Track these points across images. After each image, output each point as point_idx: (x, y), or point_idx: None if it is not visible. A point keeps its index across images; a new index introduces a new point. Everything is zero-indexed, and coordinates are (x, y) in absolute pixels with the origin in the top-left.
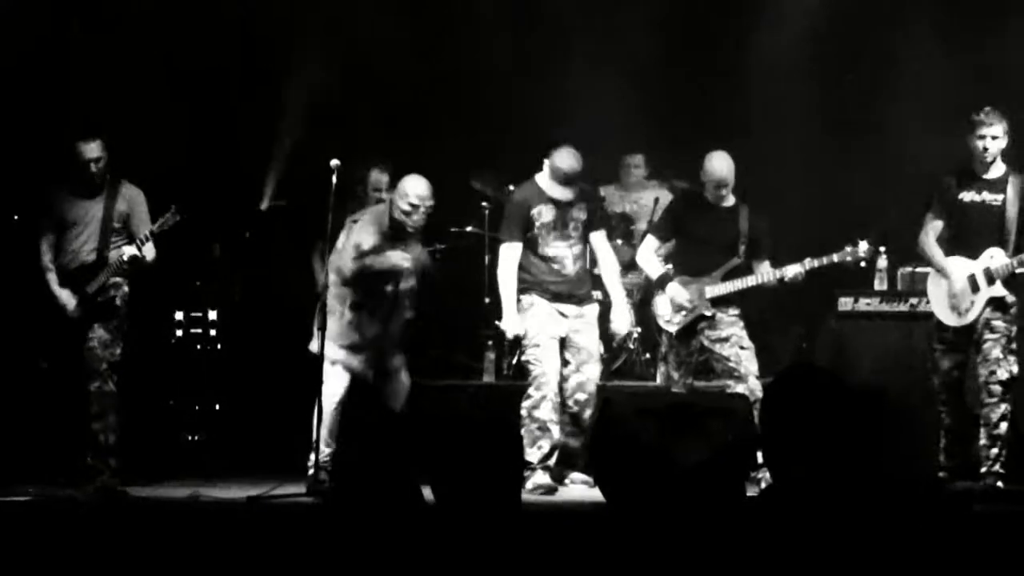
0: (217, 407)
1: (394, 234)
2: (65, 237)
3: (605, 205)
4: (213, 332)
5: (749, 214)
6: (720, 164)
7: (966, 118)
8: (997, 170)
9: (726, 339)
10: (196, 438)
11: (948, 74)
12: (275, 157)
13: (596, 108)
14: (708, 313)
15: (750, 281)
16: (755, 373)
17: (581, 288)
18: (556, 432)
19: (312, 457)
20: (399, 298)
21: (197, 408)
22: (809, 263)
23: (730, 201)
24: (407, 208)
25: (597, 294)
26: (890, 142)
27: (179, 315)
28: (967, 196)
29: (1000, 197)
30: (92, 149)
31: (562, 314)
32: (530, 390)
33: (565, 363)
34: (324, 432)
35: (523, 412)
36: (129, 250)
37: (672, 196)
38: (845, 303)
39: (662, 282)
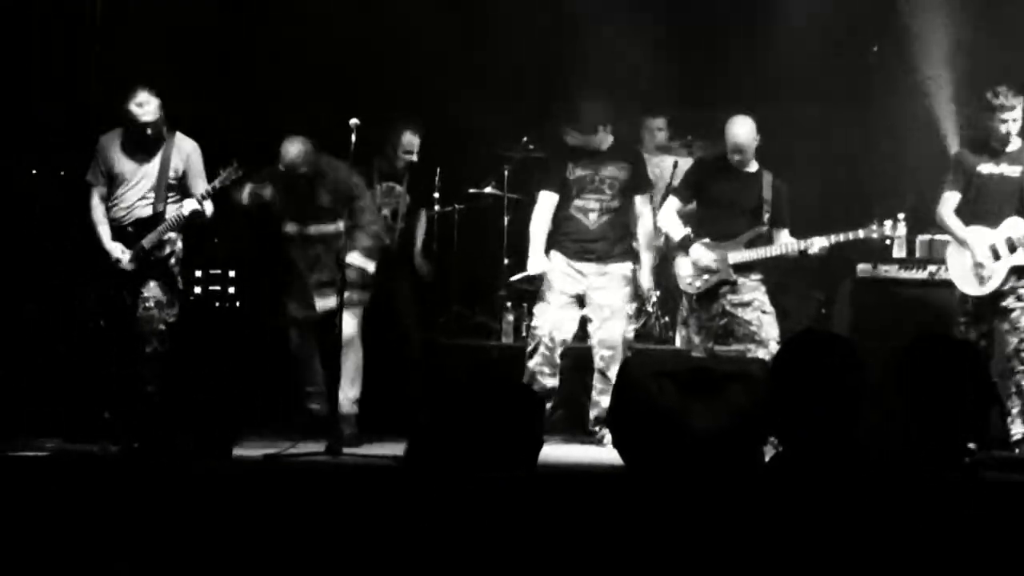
0: (234, 365)
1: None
2: (119, 191)
3: None
4: (232, 289)
5: (772, 181)
6: (739, 129)
7: (982, 96)
8: (1015, 143)
9: (748, 303)
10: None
11: (976, 43)
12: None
13: (620, 70)
14: (732, 278)
15: (773, 251)
16: (776, 338)
17: (605, 245)
18: (547, 382)
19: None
20: None
21: (214, 366)
22: (834, 237)
23: (753, 167)
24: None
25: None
26: (915, 112)
27: (198, 272)
28: (985, 168)
29: (1018, 168)
30: (148, 111)
31: (580, 272)
32: (529, 340)
33: (589, 320)
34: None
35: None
36: (190, 204)
37: (692, 160)
38: (864, 269)
39: (684, 244)
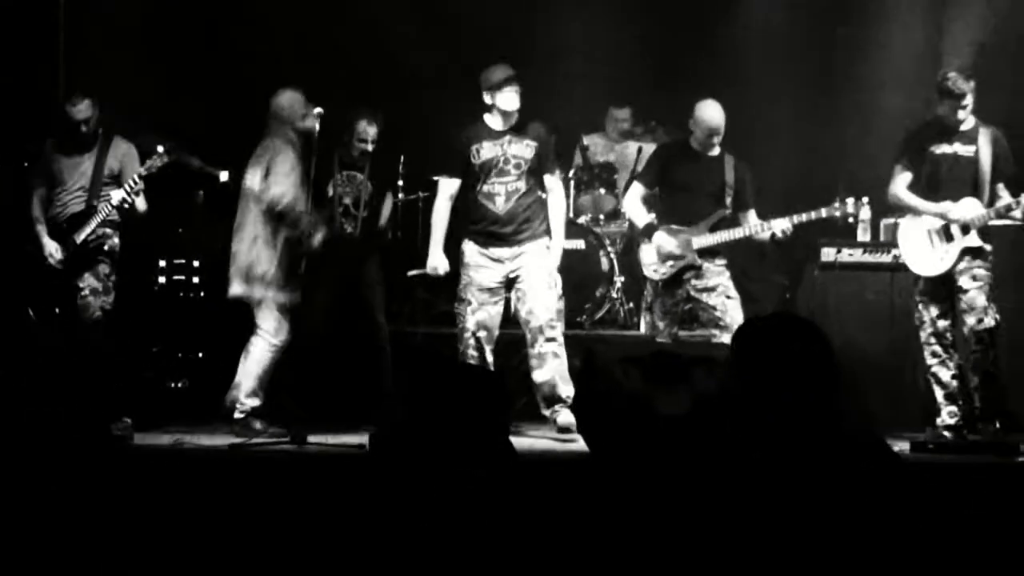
0: (200, 355)
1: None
2: (56, 191)
3: (589, 154)
4: (196, 279)
5: (735, 163)
6: (714, 112)
7: (935, 81)
8: (967, 122)
9: (712, 288)
10: (179, 385)
11: (932, 29)
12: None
13: (582, 59)
14: (696, 263)
15: (737, 233)
16: (740, 323)
17: (516, 227)
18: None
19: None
20: None
21: (180, 355)
22: (796, 218)
23: (715, 151)
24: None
25: (577, 243)
26: (876, 97)
27: (162, 263)
28: (938, 148)
29: (972, 148)
30: (81, 110)
31: (496, 260)
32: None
33: (518, 300)
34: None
35: None
36: (117, 195)
37: (655, 145)
38: (828, 254)
39: (648, 231)
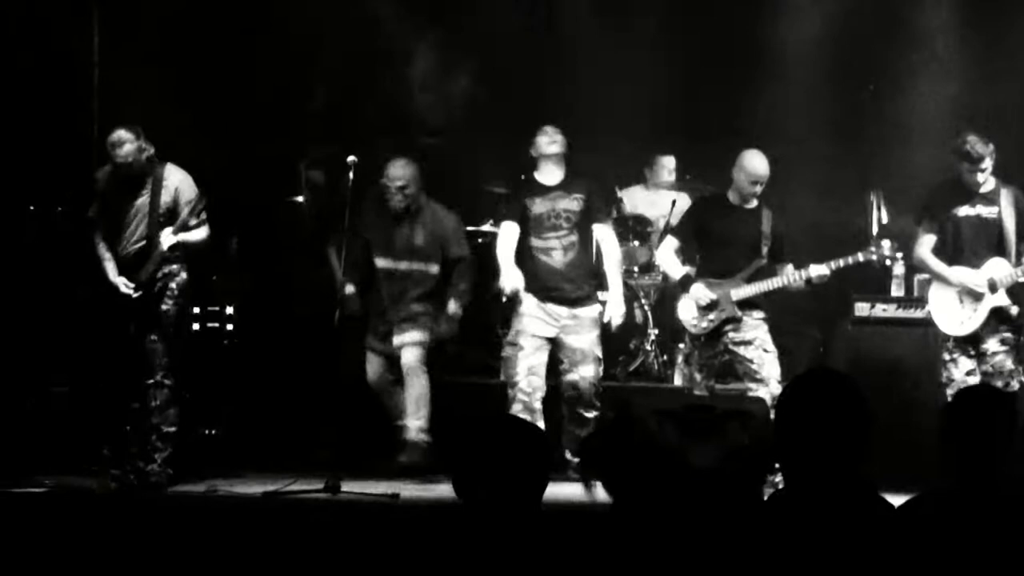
0: (234, 402)
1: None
2: (117, 228)
3: (622, 206)
4: (230, 327)
5: (771, 215)
6: (760, 162)
7: (954, 143)
8: (988, 184)
9: (750, 342)
10: (213, 432)
11: (964, 84)
12: (296, 152)
13: (622, 109)
14: (737, 315)
15: (775, 283)
16: (777, 377)
17: (573, 284)
18: None
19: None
20: None
21: (213, 402)
22: (835, 263)
23: (753, 203)
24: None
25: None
26: (906, 152)
27: (196, 309)
28: (962, 211)
29: (995, 210)
30: (123, 152)
31: (552, 316)
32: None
33: (561, 362)
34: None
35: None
36: (166, 239)
37: (691, 199)
38: (862, 308)
39: (685, 283)
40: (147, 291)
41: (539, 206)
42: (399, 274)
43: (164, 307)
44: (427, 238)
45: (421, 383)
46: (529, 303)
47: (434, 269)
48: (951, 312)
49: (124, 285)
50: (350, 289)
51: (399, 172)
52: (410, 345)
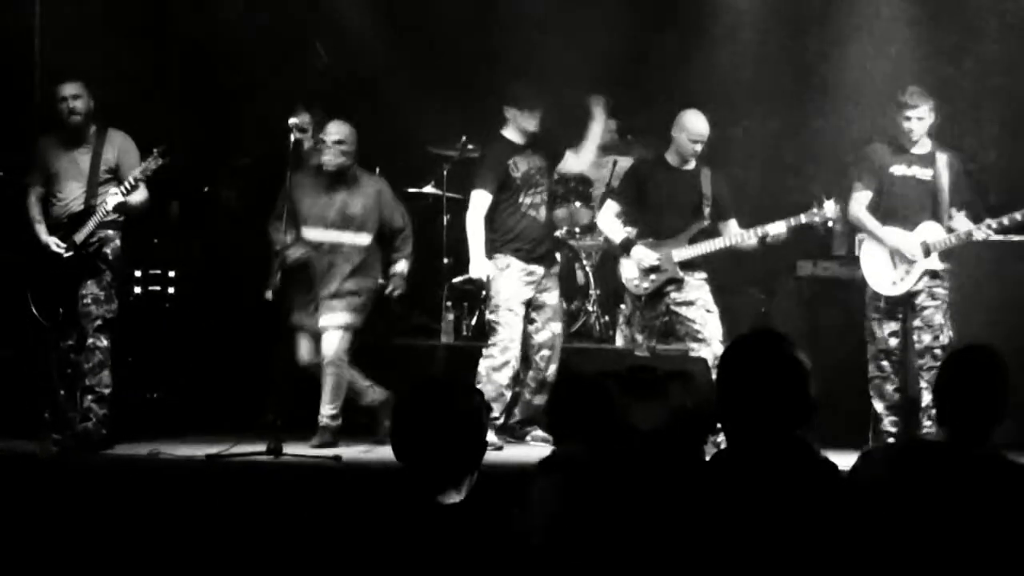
0: (175, 366)
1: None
2: (54, 189)
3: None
4: (172, 290)
5: (712, 175)
6: (701, 121)
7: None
8: (924, 146)
9: (692, 302)
10: (155, 396)
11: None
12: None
13: (562, 66)
14: (678, 276)
15: (719, 243)
16: (719, 337)
17: (549, 244)
18: (509, 397)
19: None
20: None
21: (156, 366)
22: (785, 223)
23: (691, 164)
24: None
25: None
26: (848, 108)
27: (138, 273)
28: (898, 169)
29: (930, 172)
30: (68, 88)
31: (533, 275)
32: (493, 351)
33: (531, 321)
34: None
35: (481, 371)
36: (113, 199)
37: (631, 160)
38: (804, 267)
39: (626, 246)
40: (79, 253)
41: (523, 164)
42: (326, 247)
43: (98, 271)
44: (363, 207)
45: (339, 375)
46: (516, 264)
47: (365, 240)
48: (883, 272)
49: (55, 245)
50: (299, 252)
51: (336, 128)
52: (333, 329)
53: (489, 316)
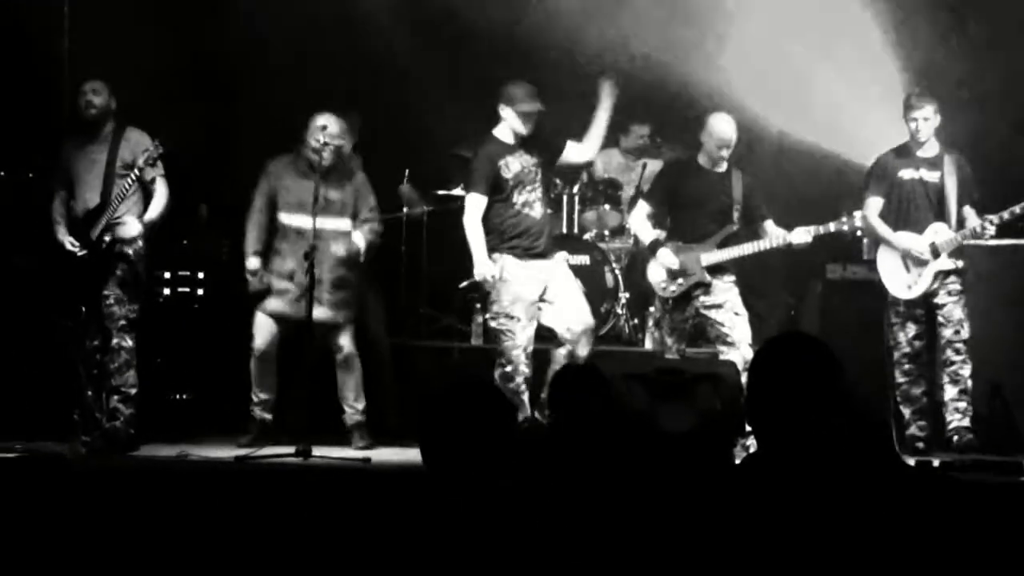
0: (203, 366)
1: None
2: (75, 187)
3: (592, 170)
4: (200, 291)
5: (743, 178)
6: (726, 125)
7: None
8: (932, 148)
9: (720, 305)
10: (183, 397)
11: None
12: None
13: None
14: (706, 280)
15: (747, 248)
16: (748, 340)
17: (547, 239)
18: (526, 395)
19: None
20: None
21: (184, 367)
22: (814, 230)
23: (723, 167)
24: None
25: (582, 258)
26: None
27: (167, 274)
28: (906, 174)
29: (937, 174)
30: (90, 83)
31: (535, 272)
32: (501, 359)
33: (550, 303)
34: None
35: (496, 378)
36: (133, 227)
37: (662, 163)
38: (833, 270)
39: (654, 248)
40: (96, 250)
41: (515, 163)
42: (309, 233)
43: (120, 272)
44: (350, 194)
45: (359, 368)
46: (513, 265)
47: (346, 226)
48: (898, 276)
49: (70, 244)
50: (255, 263)
51: (335, 130)
52: (347, 324)
53: (492, 324)
